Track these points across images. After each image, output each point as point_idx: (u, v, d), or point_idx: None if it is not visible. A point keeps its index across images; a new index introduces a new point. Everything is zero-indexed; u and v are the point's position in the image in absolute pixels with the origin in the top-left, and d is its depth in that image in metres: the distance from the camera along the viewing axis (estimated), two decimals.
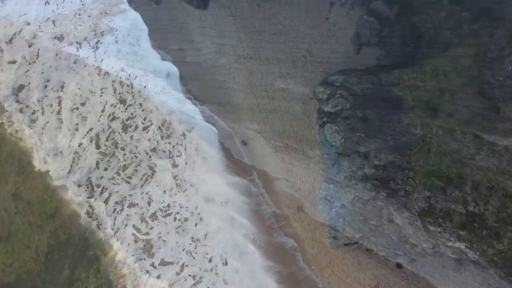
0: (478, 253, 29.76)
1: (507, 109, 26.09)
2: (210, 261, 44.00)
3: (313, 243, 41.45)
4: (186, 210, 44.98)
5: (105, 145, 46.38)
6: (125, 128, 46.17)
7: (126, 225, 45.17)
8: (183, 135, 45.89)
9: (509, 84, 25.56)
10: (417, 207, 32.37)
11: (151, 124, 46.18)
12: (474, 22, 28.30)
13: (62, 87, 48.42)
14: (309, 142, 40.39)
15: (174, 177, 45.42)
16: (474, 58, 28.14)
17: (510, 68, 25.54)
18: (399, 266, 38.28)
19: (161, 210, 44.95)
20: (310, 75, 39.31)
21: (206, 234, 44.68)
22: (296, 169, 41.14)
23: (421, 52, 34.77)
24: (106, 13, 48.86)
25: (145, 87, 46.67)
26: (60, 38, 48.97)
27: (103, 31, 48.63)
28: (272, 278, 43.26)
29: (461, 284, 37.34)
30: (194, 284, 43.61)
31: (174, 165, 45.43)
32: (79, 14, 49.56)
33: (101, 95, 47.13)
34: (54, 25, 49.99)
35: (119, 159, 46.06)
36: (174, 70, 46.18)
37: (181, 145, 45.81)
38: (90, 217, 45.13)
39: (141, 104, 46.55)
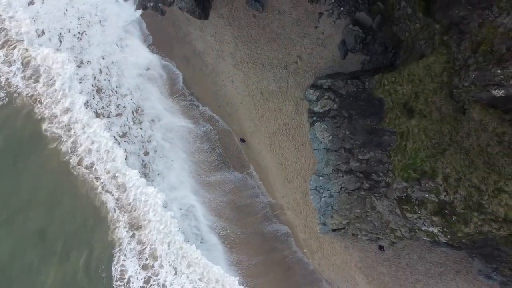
0: (448, 236, 31.05)
1: (472, 111, 27.42)
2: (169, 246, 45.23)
3: (305, 229, 42.81)
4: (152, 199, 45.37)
5: None
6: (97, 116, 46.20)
7: None
8: (153, 121, 46.08)
9: (473, 89, 26.77)
10: (396, 196, 33.42)
11: (125, 109, 46.36)
12: (444, 34, 29.13)
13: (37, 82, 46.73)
14: (300, 139, 41.35)
15: (144, 165, 45.91)
16: (444, 66, 29.01)
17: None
18: (381, 248, 40.02)
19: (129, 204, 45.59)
20: (301, 79, 40.03)
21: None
22: (289, 163, 42.23)
23: (400, 58, 35.83)
24: (97, 6, 47.00)
25: (122, 71, 46.21)
26: (41, 34, 46.47)
27: (90, 22, 46.81)
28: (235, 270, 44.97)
29: (437, 264, 39.21)
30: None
31: (146, 153, 46.04)
32: (66, 10, 47.03)
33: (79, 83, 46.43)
34: (35, 22, 46.83)
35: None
36: (156, 61, 45.59)
37: (152, 130, 46.13)
38: None
39: (116, 91, 46.38)
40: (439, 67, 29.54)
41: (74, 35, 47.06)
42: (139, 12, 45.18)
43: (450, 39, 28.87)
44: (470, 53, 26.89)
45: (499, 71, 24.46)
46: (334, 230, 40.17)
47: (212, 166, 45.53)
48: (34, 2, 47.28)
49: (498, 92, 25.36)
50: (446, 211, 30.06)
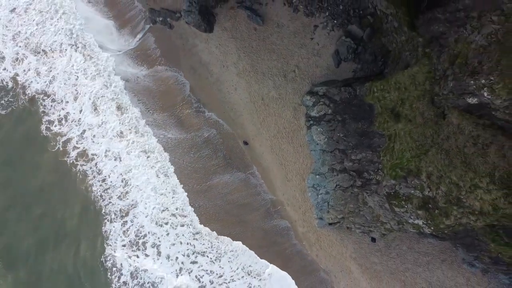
0: (432, 228, 32.83)
1: (451, 116, 29.26)
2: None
3: (303, 223, 44.42)
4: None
5: None
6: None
7: None
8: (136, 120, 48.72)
9: (451, 97, 28.67)
10: (385, 193, 35.06)
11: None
12: (426, 47, 30.89)
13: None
14: (299, 141, 42.77)
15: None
16: (427, 75, 30.71)
17: None
18: (373, 240, 41.58)
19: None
20: (299, 86, 41.22)
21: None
22: (289, 163, 43.74)
23: (388, 67, 37.32)
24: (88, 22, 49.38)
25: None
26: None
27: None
28: None
29: (424, 253, 40.87)
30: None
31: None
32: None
33: None
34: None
35: None
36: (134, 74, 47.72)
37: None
38: None
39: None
40: (422, 77, 31.03)
41: None
42: (140, 36, 47.02)
43: (431, 52, 30.42)
44: (448, 65, 28.50)
45: (472, 82, 26.15)
46: (330, 224, 41.47)
47: (211, 170, 46.85)
48: None
49: (472, 100, 27.06)
50: (430, 205, 31.72)
